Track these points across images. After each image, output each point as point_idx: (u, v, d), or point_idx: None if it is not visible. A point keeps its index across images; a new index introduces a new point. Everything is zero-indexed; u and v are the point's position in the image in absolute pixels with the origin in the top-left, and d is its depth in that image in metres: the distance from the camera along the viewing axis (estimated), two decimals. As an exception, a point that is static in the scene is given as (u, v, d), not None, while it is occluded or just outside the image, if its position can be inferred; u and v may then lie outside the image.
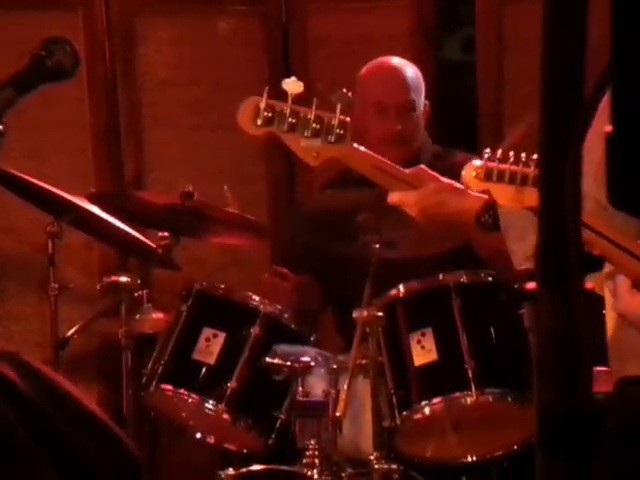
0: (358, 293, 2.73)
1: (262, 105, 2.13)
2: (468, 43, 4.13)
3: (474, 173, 2.10)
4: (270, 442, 2.87)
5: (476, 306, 2.78)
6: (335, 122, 2.13)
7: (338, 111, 2.14)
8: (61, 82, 1.74)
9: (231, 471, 2.82)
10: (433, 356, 2.72)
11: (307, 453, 2.73)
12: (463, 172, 2.14)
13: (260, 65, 4.01)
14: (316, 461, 2.72)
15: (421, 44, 4.03)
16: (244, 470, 2.82)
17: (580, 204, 1.01)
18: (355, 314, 2.69)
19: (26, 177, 3.17)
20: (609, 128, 1.06)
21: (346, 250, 2.95)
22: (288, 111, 2.12)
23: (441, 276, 2.79)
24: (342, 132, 2.14)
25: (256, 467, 2.83)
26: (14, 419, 1.14)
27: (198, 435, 3.02)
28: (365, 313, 2.67)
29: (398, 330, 2.77)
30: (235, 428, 2.89)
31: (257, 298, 2.97)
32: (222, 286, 3.00)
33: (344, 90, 2.15)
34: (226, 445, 3.04)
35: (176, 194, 3.13)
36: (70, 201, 3.15)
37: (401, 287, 2.79)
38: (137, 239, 3.24)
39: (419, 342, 2.74)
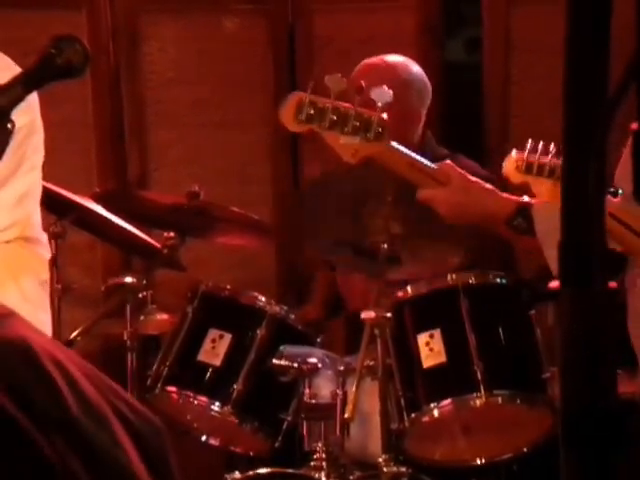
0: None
1: (306, 101, 2.10)
2: (474, 43, 4.11)
3: (515, 165, 2.10)
4: (277, 445, 2.85)
5: (484, 307, 2.76)
6: (375, 120, 2.11)
7: (378, 109, 2.12)
8: (70, 80, 1.71)
9: (237, 474, 2.80)
10: (442, 358, 2.70)
11: (314, 456, 2.72)
12: (504, 162, 2.14)
13: (266, 64, 4.00)
14: (323, 464, 2.71)
15: (426, 44, 4.02)
16: (250, 473, 2.80)
17: (604, 203, 1.00)
18: (363, 315, 2.67)
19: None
20: (635, 125, 1.05)
21: (355, 250, 2.93)
22: (330, 108, 2.10)
23: (449, 277, 2.77)
24: (381, 130, 2.12)
25: (262, 470, 2.81)
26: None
27: (203, 437, 3.00)
28: (373, 314, 2.65)
29: (406, 331, 2.75)
30: (241, 430, 2.87)
31: (263, 299, 2.95)
32: (228, 287, 2.98)
33: (385, 87, 2.13)
34: (232, 448, 3.02)
35: (181, 193, 3.11)
36: (74, 201, 3.13)
37: (409, 288, 2.78)
38: (142, 239, 3.22)
39: (427, 344, 2.72)
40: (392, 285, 2.74)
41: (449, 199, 2.19)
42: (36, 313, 2.18)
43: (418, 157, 2.21)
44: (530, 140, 2.14)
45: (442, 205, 2.19)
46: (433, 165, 2.22)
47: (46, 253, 2.26)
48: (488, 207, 2.21)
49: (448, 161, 2.26)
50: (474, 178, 2.24)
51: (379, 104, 2.12)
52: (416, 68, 3.29)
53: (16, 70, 2.03)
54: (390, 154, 2.18)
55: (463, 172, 2.23)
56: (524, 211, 2.16)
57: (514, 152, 2.15)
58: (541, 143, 2.11)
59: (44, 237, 2.28)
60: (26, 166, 2.17)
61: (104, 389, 1.19)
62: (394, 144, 2.18)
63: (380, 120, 2.12)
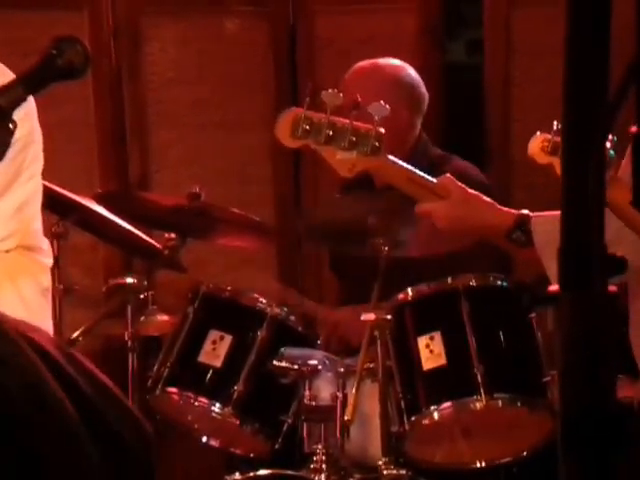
0: (367, 294, 2.71)
1: (302, 117, 2.10)
2: (474, 45, 4.11)
3: (542, 146, 2.10)
4: (277, 446, 2.85)
5: (485, 310, 2.76)
6: (371, 134, 2.11)
7: (375, 123, 2.12)
8: (71, 81, 1.71)
9: (237, 475, 2.80)
10: (442, 360, 2.70)
11: (314, 458, 2.72)
12: (530, 143, 2.14)
13: (266, 65, 4.00)
14: (323, 466, 2.70)
15: (427, 45, 4.01)
16: (251, 474, 2.80)
17: (603, 207, 0.99)
18: (363, 317, 2.67)
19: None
20: (634, 129, 1.05)
21: (355, 252, 2.93)
22: (326, 123, 2.10)
23: (450, 279, 2.77)
24: (378, 144, 2.12)
25: (262, 471, 2.81)
26: (65, 400, 1.14)
27: (204, 439, 3.00)
28: (373, 316, 2.65)
29: (406, 334, 2.75)
30: (241, 432, 2.87)
31: (264, 300, 2.95)
32: (229, 288, 2.97)
33: (381, 102, 2.13)
34: (232, 449, 3.01)
35: (182, 194, 3.11)
36: (75, 201, 3.14)
37: (410, 290, 2.77)
38: (143, 240, 3.22)
39: (428, 346, 2.72)
40: (392, 286, 2.74)
41: (448, 213, 2.18)
42: (36, 320, 2.17)
43: (416, 170, 2.21)
44: (556, 121, 2.13)
45: (441, 219, 2.19)
46: (432, 179, 2.21)
47: (47, 260, 2.26)
48: (487, 221, 2.20)
49: (448, 175, 2.25)
50: (473, 191, 2.24)
51: (376, 118, 2.12)
52: (411, 73, 3.26)
53: (10, 75, 2.02)
54: (387, 168, 2.17)
55: (462, 186, 2.22)
56: (523, 224, 2.15)
57: (540, 133, 2.14)
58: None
59: (45, 244, 2.27)
60: (25, 176, 2.17)
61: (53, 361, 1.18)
62: (391, 158, 2.17)
63: (377, 134, 2.12)
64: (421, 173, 2.22)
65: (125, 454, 1.20)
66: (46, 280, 2.25)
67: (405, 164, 2.21)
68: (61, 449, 1.15)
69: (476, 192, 2.23)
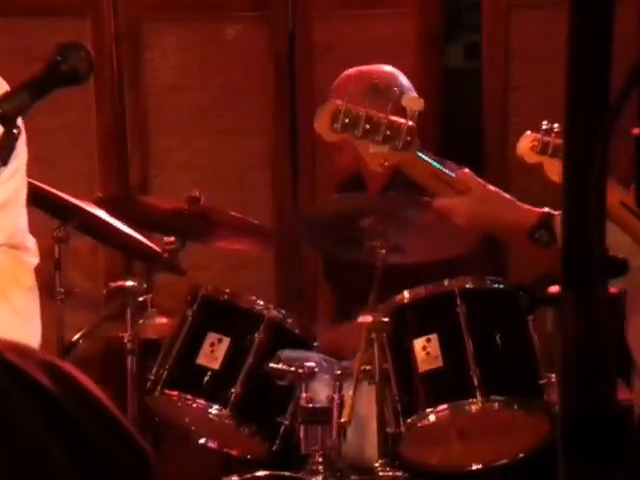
0: (363, 298, 2.73)
1: (342, 109, 2.08)
2: (473, 49, 4.13)
3: (531, 145, 2.07)
4: (274, 448, 2.86)
5: (482, 312, 2.77)
6: (404, 128, 2.09)
7: (408, 117, 2.10)
8: (74, 87, 1.74)
9: (235, 477, 2.81)
10: (438, 362, 2.71)
11: (311, 459, 2.73)
12: (519, 143, 2.11)
13: (266, 71, 4.02)
14: (320, 468, 2.71)
15: (426, 51, 4.03)
16: (248, 476, 2.80)
17: (605, 207, 1.00)
18: (360, 319, 2.69)
19: (33, 182, 3.16)
20: (637, 130, 1.05)
21: (351, 255, 2.95)
22: (364, 116, 2.08)
23: (447, 282, 2.77)
24: (410, 139, 2.09)
25: (260, 473, 2.81)
26: (46, 426, 1.14)
27: (202, 440, 3.02)
28: (370, 319, 2.67)
29: (403, 336, 2.76)
30: (239, 433, 2.88)
31: (262, 303, 2.97)
32: (227, 291, 2.99)
33: (415, 94, 2.12)
34: (230, 451, 3.03)
35: (182, 199, 3.14)
36: (76, 206, 3.15)
37: (406, 293, 2.78)
38: (143, 244, 3.24)
39: (424, 348, 2.73)
40: (388, 293, 2.76)
41: (469, 209, 2.13)
42: (27, 323, 2.19)
43: (439, 165, 2.18)
44: (545, 121, 2.11)
45: (460, 215, 2.14)
46: (452, 174, 2.17)
47: (33, 259, 2.25)
48: (508, 218, 2.15)
49: (466, 169, 2.23)
50: (493, 188, 2.20)
51: (408, 111, 2.10)
52: (401, 79, 3.19)
53: (6, 87, 2.03)
54: (416, 163, 2.13)
55: (482, 181, 2.18)
56: (546, 222, 2.10)
57: (529, 132, 2.12)
58: (556, 124, 2.07)
59: (31, 242, 2.26)
60: (6, 173, 2.15)
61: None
62: (420, 154, 2.14)
63: (409, 129, 2.09)
64: (444, 168, 2.18)
65: (118, 472, 1.20)
66: (30, 280, 2.24)
67: (430, 159, 2.18)
68: (26, 469, 1.15)
69: (496, 188, 2.20)
